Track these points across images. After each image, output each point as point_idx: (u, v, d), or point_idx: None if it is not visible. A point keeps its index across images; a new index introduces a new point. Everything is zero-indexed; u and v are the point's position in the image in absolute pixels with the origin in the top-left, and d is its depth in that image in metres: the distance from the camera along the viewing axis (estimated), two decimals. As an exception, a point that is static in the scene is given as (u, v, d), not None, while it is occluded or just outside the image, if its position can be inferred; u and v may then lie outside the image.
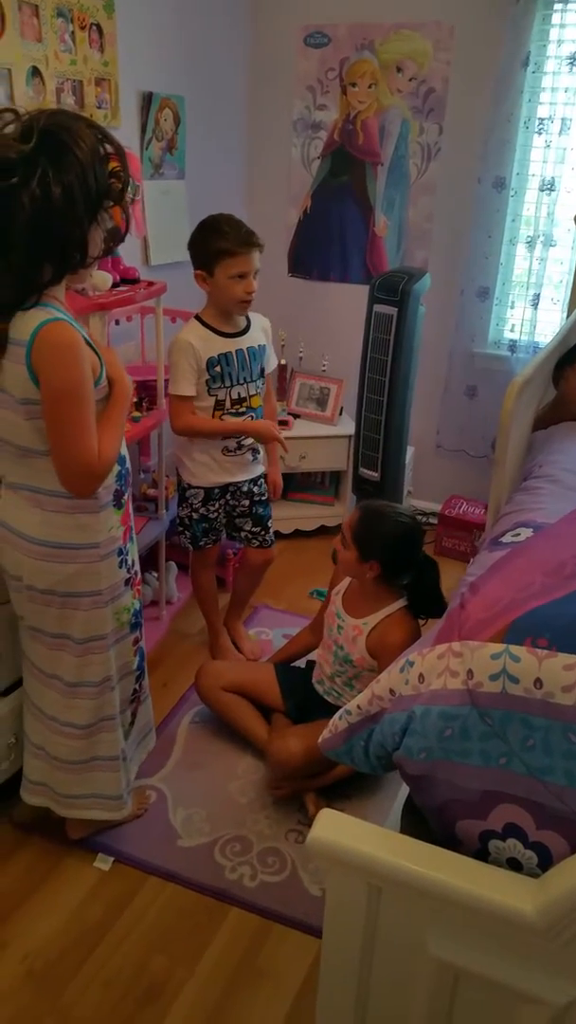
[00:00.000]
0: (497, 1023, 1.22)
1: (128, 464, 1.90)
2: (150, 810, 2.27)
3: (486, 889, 1.14)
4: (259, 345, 2.62)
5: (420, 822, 1.39)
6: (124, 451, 1.86)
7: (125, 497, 1.89)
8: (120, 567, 1.89)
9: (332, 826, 1.25)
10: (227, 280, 2.43)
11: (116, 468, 1.81)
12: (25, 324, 1.58)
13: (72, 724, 1.96)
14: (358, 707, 1.40)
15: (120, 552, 1.88)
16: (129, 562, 1.93)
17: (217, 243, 2.40)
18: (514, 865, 1.23)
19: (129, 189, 1.67)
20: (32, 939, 1.92)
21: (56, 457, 1.67)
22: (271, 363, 2.72)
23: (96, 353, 1.69)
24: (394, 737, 1.29)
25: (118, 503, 1.85)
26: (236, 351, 2.56)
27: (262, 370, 2.66)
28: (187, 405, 2.57)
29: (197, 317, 2.57)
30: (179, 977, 1.85)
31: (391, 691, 1.32)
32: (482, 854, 1.25)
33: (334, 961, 1.33)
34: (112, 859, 2.12)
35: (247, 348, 2.58)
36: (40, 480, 1.73)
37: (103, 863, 2.11)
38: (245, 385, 2.60)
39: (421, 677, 1.26)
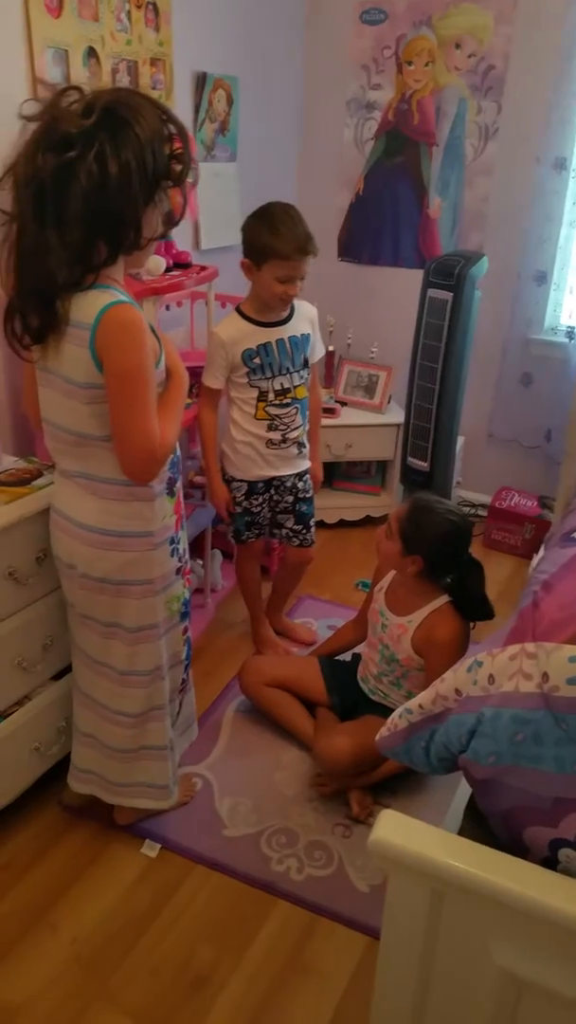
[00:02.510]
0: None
1: (179, 452, 1.88)
2: (196, 798, 2.27)
3: (555, 899, 1.10)
4: (302, 334, 2.56)
5: (482, 826, 1.35)
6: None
7: (177, 486, 1.87)
8: (172, 556, 1.87)
9: (395, 828, 1.21)
10: (272, 279, 2.38)
11: (171, 456, 1.79)
12: (89, 306, 1.55)
13: (123, 712, 1.95)
14: (420, 706, 1.36)
15: (172, 541, 1.86)
16: (180, 551, 1.92)
17: (272, 242, 2.32)
18: (585, 875, 1.19)
19: (190, 172, 1.64)
20: (80, 923, 1.92)
21: (119, 441, 1.64)
22: (316, 353, 2.66)
23: (156, 337, 1.66)
24: (460, 739, 1.26)
25: (171, 491, 1.83)
26: (277, 341, 2.51)
27: (306, 360, 2.60)
28: (212, 396, 2.57)
29: (237, 308, 2.54)
30: (225, 968, 1.84)
31: (457, 691, 1.28)
32: (551, 862, 1.21)
33: (392, 965, 1.30)
34: (159, 846, 2.11)
35: (288, 338, 2.52)
36: (95, 467, 1.71)
37: (150, 850, 2.10)
38: (288, 375, 2.55)
39: (491, 678, 1.22)
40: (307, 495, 2.75)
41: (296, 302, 2.54)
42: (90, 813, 2.17)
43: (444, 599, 2.24)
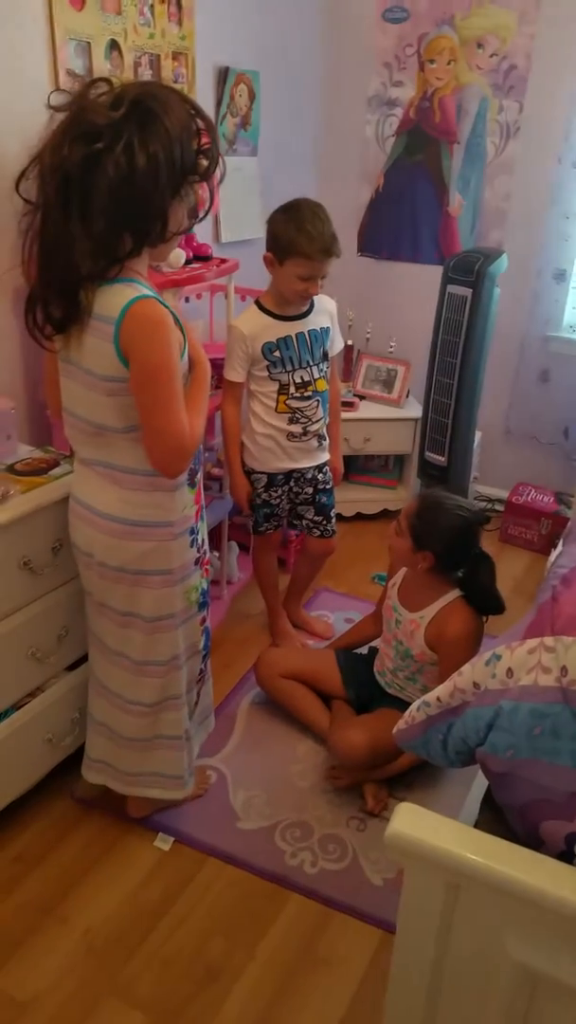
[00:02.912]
0: (576, 1031, 1.18)
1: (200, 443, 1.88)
2: (210, 791, 2.27)
3: (571, 893, 1.10)
4: (322, 328, 2.56)
5: (498, 819, 1.34)
6: None
7: (198, 476, 1.87)
8: (191, 546, 1.87)
9: (412, 820, 1.21)
10: (293, 276, 2.38)
11: None
12: (113, 301, 1.55)
13: (139, 702, 1.95)
14: (438, 699, 1.36)
15: (192, 531, 1.86)
16: (199, 541, 1.92)
17: (297, 241, 2.32)
18: (601, 870, 1.18)
19: (218, 167, 1.63)
20: (92, 915, 1.92)
21: (149, 436, 1.64)
22: (335, 346, 2.66)
23: (181, 329, 1.66)
24: (478, 732, 1.25)
25: (192, 482, 1.84)
26: (297, 334, 2.51)
27: (325, 353, 2.60)
28: (233, 390, 2.57)
29: (257, 302, 2.54)
30: (238, 961, 1.84)
31: (475, 684, 1.28)
32: (567, 856, 1.20)
33: (407, 958, 1.30)
34: (172, 839, 2.11)
35: (308, 331, 2.53)
36: (116, 457, 1.71)
37: (163, 843, 2.10)
38: (308, 368, 2.55)
39: (509, 672, 1.22)
40: (327, 486, 2.75)
41: (315, 296, 2.54)
42: (103, 805, 2.17)
43: (455, 594, 2.23)
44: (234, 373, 2.53)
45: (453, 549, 2.18)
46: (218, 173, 1.64)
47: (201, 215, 1.68)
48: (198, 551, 1.91)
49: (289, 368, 2.52)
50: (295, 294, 2.43)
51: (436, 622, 2.22)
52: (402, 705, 2.09)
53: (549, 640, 1.19)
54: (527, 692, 1.18)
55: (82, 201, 1.49)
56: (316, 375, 2.57)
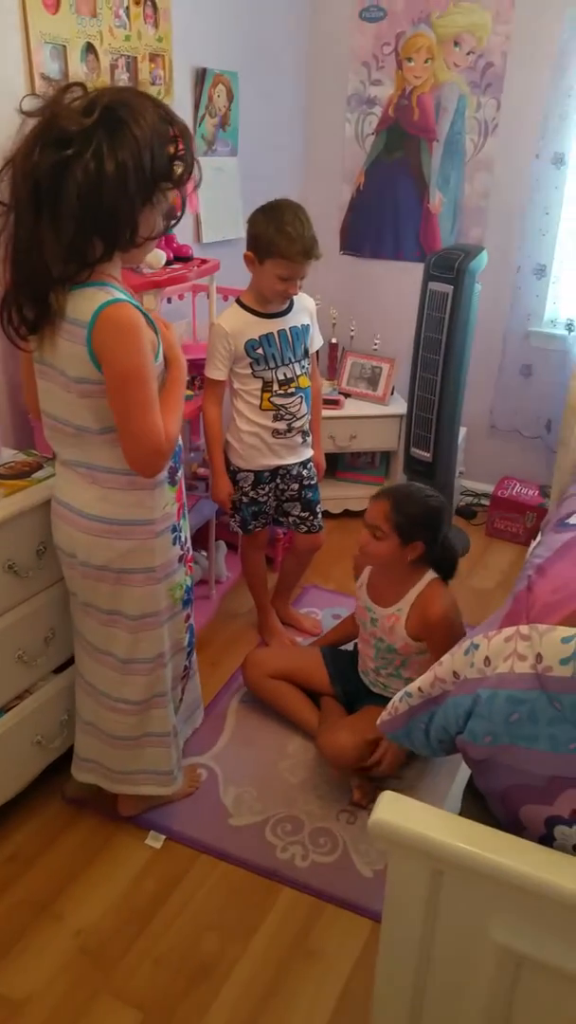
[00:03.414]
0: (559, 1011, 1.20)
1: (180, 441, 1.88)
2: (201, 788, 2.28)
3: (551, 875, 1.12)
4: (302, 325, 2.59)
5: (481, 806, 1.36)
6: None
7: (179, 474, 1.89)
8: (174, 544, 1.89)
9: (395, 809, 1.23)
10: (272, 276, 2.41)
11: None
12: (85, 305, 1.56)
13: (125, 700, 1.96)
14: (419, 689, 1.38)
15: (174, 529, 1.88)
16: (182, 539, 1.93)
17: (277, 242, 2.34)
18: (581, 852, 1.20)
19: (194, 173, 1.63)
20: (85, 915, 1.93)
21: (125, 438, 1.65)
22: (316, 343, 2.69)
23: (155, 329, 1.68)
24: (458, 720, 1.27)
25: (172, 480, 1.85)
26: (279, 332, 2.53)
27: (307, 350, 2.63)
28: (215, 389, 2.59)
29: (238, 300, 2.56)
30: (231, 956, 1.85)
31: (455, 673, 1.30)
32: (547, 840, 1.22)
33: (393, 944, 1.32)
34: (164, 837, 2.12)
35: (290, 328, 2.55)
36: (95, 457, 1.73)
37: (155, 841, 2.11)
38: (291, 366, 2.58)
39: (487, 660, 1.24)
40: (312, 482, 2.77)
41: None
42: (94, 806, 2.18)
43: (429, 576, 2.26)
44: (216, 371, 2.55)
45: (438, 531, 2.22)
46: (193, 179, 1.65)
47: (174, 221, 1.68)
48: (181, 548, 1.92)
49: (272, 365, 2.54)
50: (275, 293, 2.45)
51: (416, 611, 2.24)
52: (388, 702, 2.10)
53: (524, 628, 1.21)
54: (504, 679, 1.20)
55: (52, 206, 1.50)
56: (298, 372, 2.60)
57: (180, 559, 1.93)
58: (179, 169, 1.58)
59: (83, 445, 1.72)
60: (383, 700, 2.31)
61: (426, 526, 2.20)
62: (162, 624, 1.92)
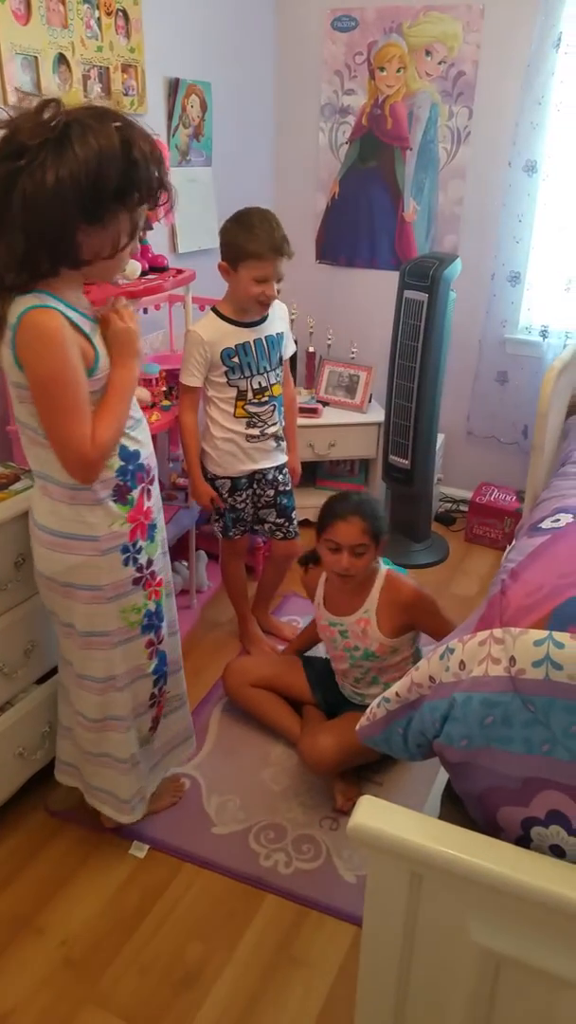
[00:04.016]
0: (539, 1010, 1.21)
1: (144, 460, 1.83)
2: (184, 798, 2.28)
3: (528, 876, 1.13)
4: (277, 333, 2.61)
5: (460, 809, 1.38)
6: (140, 447, 1.81)
7: (134, 494, 1.81)
8: (127, 565, 1.83)
9: (373, 813, 1.24)
10: (248, 280, 2.42)
11: (119, 463, 1.76)
12: (15, 308, 1.56)
13: (82, 714, 1.96)
14: (396, 694, 1.39)
15: (126, 550, 1.82)
16: (141, 562, 1.86)
17: (246, 243, 2.37)
18: (557, 852, 1.22)
19: (160, 198, 1.61)
20: (69, 926, 1.93)
21: (52, 443, 1.66)
22: (288, 349, 2.71)
23: (91, 342, 1.64)
24: (434, 724, 1.28)
25: (121, 499, 1.78)
26: (255, 340, 2.55)
27: (281, 358, 2.65)
28: (191, 396, 2.60)
29: (214, 309, 2.57)
30: (216, 964, 1.86)
31: (431, 678, 1.31)
32: (524, 841, 1.24)
33: (374, 947, 1.33)
34: (147, 847, 2.12)
35: (266, 337, 2.57)
36: (48, 467, 1.72)
37: (138, 851, 2.11)
38: (265, 375, 2.59)
39: (462, 664, 1.25)
40: (287, 488, 2.79)
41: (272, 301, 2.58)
42: (77, 817, 2.18)
43: (383, 571, 2.30)
44: (191, 378, 2.56)
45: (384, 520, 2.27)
46: (163, 205, 1.63)
47: (124, 242, 1.62)
48: (139, 571, 1.87)
49: (247, 374, 2.55)
50: (253, 299, 2.46)
51: (385, 605, 2.26)
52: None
53: (498, 632, 1.22)
54: (478, 683, 1.21)
55: (2, 216, 1.51)
56: (273, 380, 2.61)
57: (138, 582, 1.87)
58: (135, 194, 1.56)
59: (39, 454, 1.72)
60: (364, 708, 2.33)
61: (383, 519, 2.24)
62: (113, 646, 1.88)
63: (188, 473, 2.71)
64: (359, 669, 2.35)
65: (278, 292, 2.49)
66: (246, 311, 2.53)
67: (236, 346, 2.52)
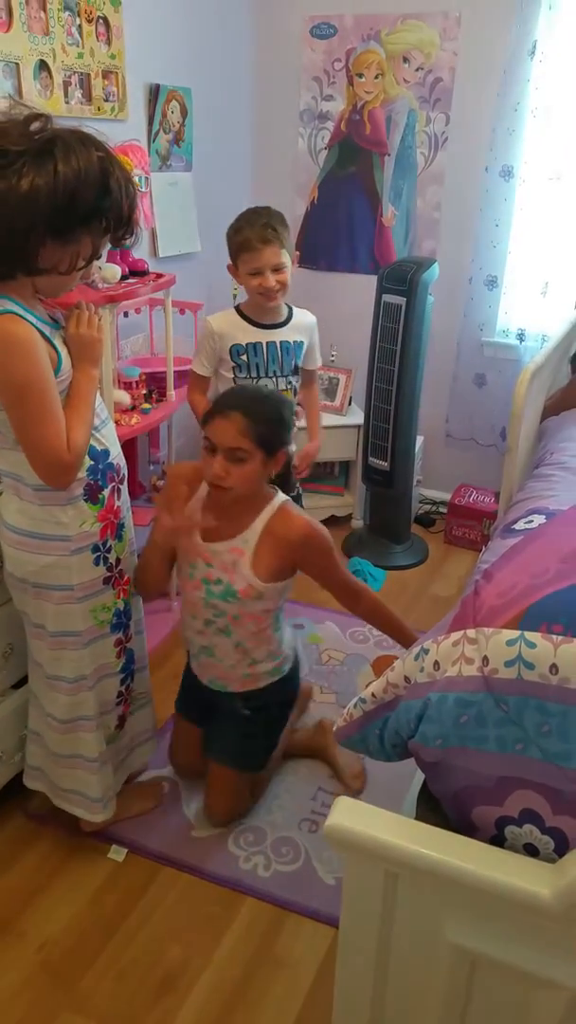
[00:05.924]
0: (514, 1007, 1.23)
1: (113, 460, 1.85)
2: (164, 801, 2.27)
3: (503, 874, 1.15)
4: (295, 341, 2.59)
5: (436, 809, 1.39)
6: (108, 447, 1.83)
7: (104, 493, 1.83)
8: (97, 564, 1.85)
9: (349, 813, 1.25)
10: (247, 275, 2.44)
11: (89, 462, 1.77)
12: None
13: (52, 716, 1.96)
14: (373, 695, 1.40)
15: (96, 549, 1.84)
16: (111, 561, 1.88)
17: (234, 237, 2.42)
18: (531, 851, 1.23)
19: (123, 234, 1.64)
20: (47, 930, 1.93)
21: (26, 451, 1.66)
22: (310, 362, 2.70)
23: (52, 344, 1.65)
24: (409, 724, 1.30)
25: (92, 498, 1.80)
26: (268, 343, 2.55)
27: (296, 368, 2.64)
28: (199, 383, 2.61)
29: (237, 307, 2.60)
30: (195, 967, 1.86)
31: (406, 678, 1.32)
32: (498, 840, 1.25)
33: (351, 947, 1.34)
34: (126, 850, 2.12)
35: (280, 342, 2.56)
36: (19, 468, 1.72)
37: (117, 854, 2.11)
38: (274, 379, 2.59)
39: (436, 664, 1.26)
40: (294, 493, 2.74)
41: (296, 309, 2.61)
42: (56, 821, 2.17)
43: (277, 501, 1.97)
44: (201, 367, 2.58)
45: (289, 429, 1.94)
46: (119, 239, 1.65)
47: (81, 265, 1.62)
48: (109, 570, 1.89)
49: (254, 375, 2.56)
50: (254, 292, 2.47)
51: (268, 541, 1.93)
52: (232, 715, 2.14)
53: (471, 632, 1.23)
54: (452, 683, 1.22)
55: None
56: (282, 387, 2.61)
57: (107, 581, 1.89)
58: (103, 221, 1.59)
59: (9, 454, 1.72)
60: (229, 716, 2.18)
61: (288, 426, 1.91)
62: (83, 646, 1.89)
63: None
64: (212, 610, 2.00)
65: (280, 285, 2.46)
66: (264, 312, 2.54)
67: (247, 344, 2.52)
